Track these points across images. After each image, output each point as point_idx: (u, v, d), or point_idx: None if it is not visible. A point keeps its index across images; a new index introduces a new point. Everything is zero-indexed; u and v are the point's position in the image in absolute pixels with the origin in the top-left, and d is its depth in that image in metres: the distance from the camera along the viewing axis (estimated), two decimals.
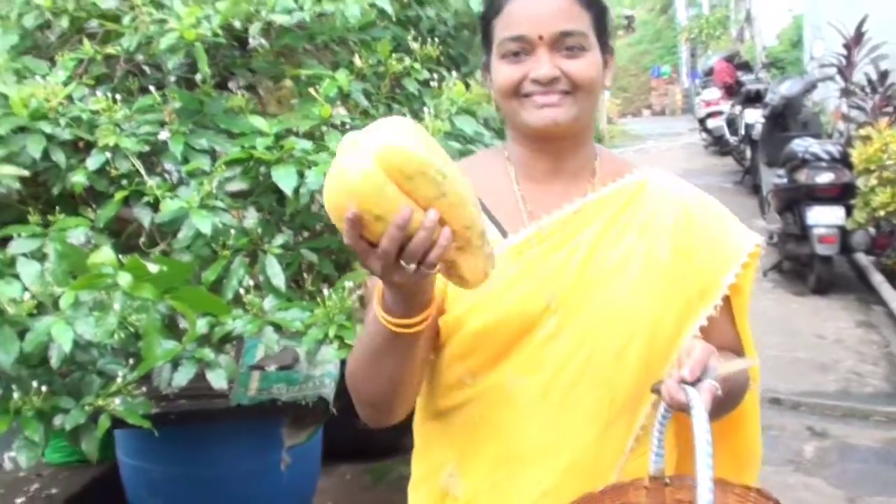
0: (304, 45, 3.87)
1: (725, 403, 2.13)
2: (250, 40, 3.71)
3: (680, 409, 1.99)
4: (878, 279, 10.86)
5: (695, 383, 1.98)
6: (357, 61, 3.77)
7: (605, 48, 2.28)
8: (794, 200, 11.03)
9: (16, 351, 2.82)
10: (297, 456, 5.35)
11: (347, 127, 3.46)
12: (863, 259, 11.58)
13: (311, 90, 3.52)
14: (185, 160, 3.35)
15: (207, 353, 3.20)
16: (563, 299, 2.21)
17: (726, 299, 2.32)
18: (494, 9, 2.24)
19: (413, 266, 1.75)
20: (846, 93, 13.82)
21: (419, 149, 1.70)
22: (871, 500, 6.30)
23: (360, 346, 2.18)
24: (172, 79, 3.72)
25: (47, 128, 3.23)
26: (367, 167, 1.66)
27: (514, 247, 2.25)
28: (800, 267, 11.55)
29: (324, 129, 3.48)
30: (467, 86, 3.83)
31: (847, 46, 13.93)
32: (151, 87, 3.49)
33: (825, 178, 10.65)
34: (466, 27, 4.48)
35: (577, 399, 2.22)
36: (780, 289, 11.43)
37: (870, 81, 13.04)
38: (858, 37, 13.79)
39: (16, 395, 2.94)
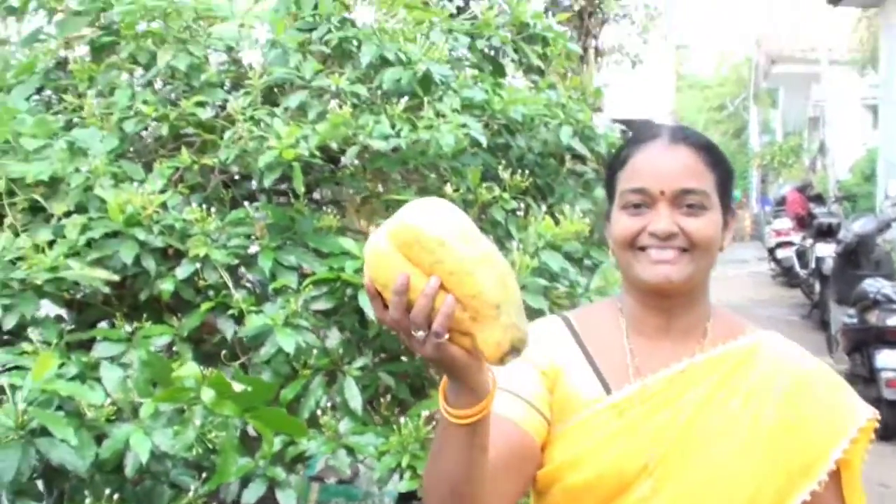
0: (398, 171, 3.92)
1: None
2: (343, 159, 3.77)
3: None
4: None
5: None
6: (447, 189, 3.83)
7: (727, 209, 2.29)
8: (864, 342, 10.84)
9: (92, 456, 2.83)
10: None
11: None
12: None
13: None
14: (273, 276, 3.41)
15: (279, 472, 3.21)
16: (662, 461, 2.19)
17: (835, 474, 2.25)
18: (620, 161, 2.28)
19: (421, 333, 1.76)
20: None
21: (418, 220, 1.75)
22: None
23: (430, 453, 2.15)
24: (263, 191, 3.79)
25: (140, 234, 3.31)
26: (378, 240, 1.76)
27: (616, 404, 2.24)
28: None
29: None
30: (553, 217, 3.86)
31: None
32: (245, 203, 3.56)
33: None
34: (553, 157, 4.52)
35: None
36: None
37: None
38: None
39: (87, 501, 2.94)
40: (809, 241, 18.10)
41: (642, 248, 2.21)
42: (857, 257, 13.29)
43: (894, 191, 15.22)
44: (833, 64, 28.12)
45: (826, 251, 15.47)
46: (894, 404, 10.28)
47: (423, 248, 1.74)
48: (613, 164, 2.33)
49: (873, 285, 11.16)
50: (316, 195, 4.06)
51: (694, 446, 2.20)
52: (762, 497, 2.19)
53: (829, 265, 14.74)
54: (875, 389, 10.36)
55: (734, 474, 2.19)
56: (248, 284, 3.69)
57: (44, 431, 2.80)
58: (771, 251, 23.97)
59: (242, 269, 3.59)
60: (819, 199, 20.26)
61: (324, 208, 3.89)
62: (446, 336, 1.76)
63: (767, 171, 39.65)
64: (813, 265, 17.29)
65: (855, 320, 11.14)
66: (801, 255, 19.30)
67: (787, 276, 22.43)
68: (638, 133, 2.37)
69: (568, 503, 2.24)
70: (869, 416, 2.27)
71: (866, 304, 10.94)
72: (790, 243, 21.45)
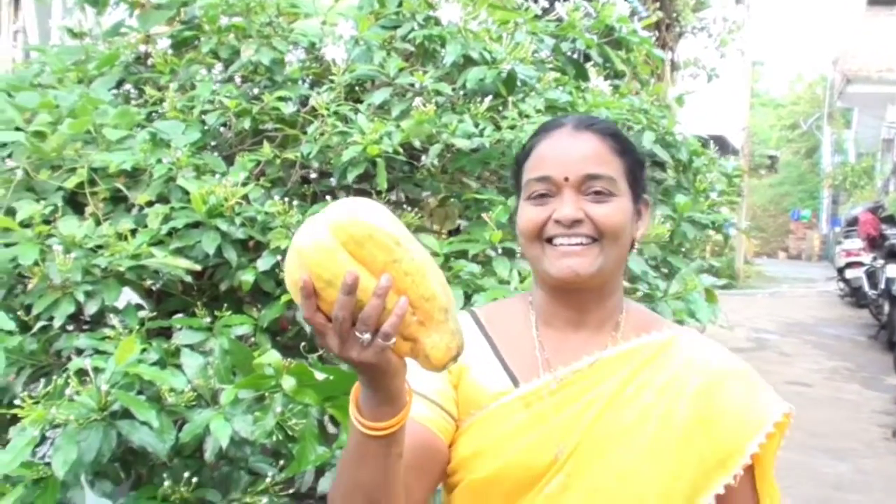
0: (478, 171, 3.94)
1: None
2: (423, 158, 3.80)
3: None
4: None
5: None
6: None
7: (639, 199, 2.26)
8: None
9: (171, 440, 2.88)
10: None
11: (517, 256, 3.51)
12: None
13: (484, 215, 3.58)
14: None
15: None
16: (572, 456, 2.17)
17: (749, 469, 2.24)
18: (525, 152, 2.26)
19: (368, 336, 1.68)
20: None
21: (373, 217, 1.69)
22: None
23: (340, 461, 2.08)
24: (343, 188, 3.82)
25: (223, 225, 3.36)
26: (319, 235, 1.66)
27: (524, 396, 2.22)
28: None
29: (491, 254, 3.53)
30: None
31: None
32: (328, 197, 3.59)
33: None
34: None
35: None
36: None
37: None
38: None
39: (166, 484, 3.00)
40: (880, 262, 18.14)
41: (550, 240, 2.17)
42: None
43: None
44: None
45: None
46: None
47: (376, 246, 1.68)
48: (519, 157, 2.31)
49: None
50: (392, 196, 4.08)
51: (605, 441, 2.18)
52: (676, 491, 2.18)
53: None
54: None
55: (647, 469, 2.17)
56: None
57: (124, 415, 2.85)
58: (840, 271, 24.35)
59: None
60: (891, 220, 20.19)
61: (403, 207, 3.91)
62: (394, 340, 1.71)
63: (839, 191, 39.83)
64: (883, 286, 17.35)
65: None
66: (871, 275, 19.39)
67: (855, 296, 22.75)
68: (543, 125, 2.34)
69: (476, 499, 2.21)
70: (785, 410, 2.26)
71: None
72: (860, 263, 21.66)
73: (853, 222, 22.62)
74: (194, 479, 3.04)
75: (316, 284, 1.66)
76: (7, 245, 3.23)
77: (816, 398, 13.66)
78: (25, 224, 3.27)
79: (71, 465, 2.68)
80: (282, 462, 3.19)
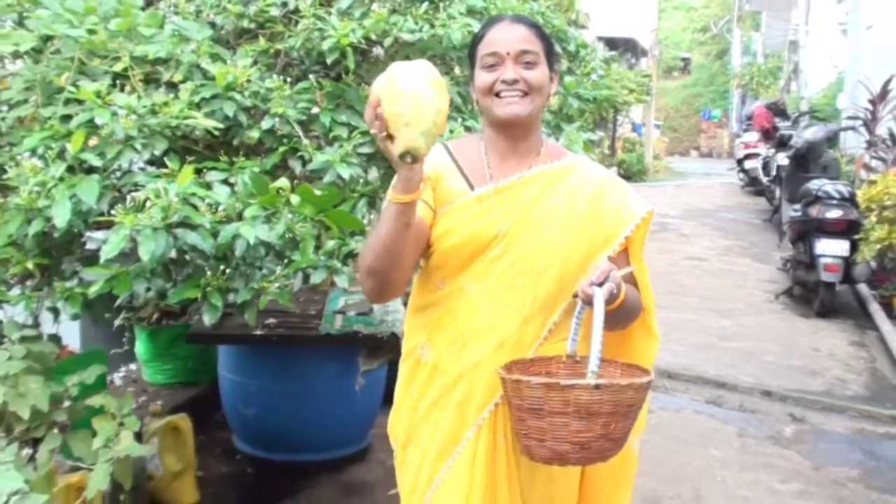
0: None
1: (624, 316, 3.05)
2: (374, 50, 4.87)
3: (588, 303, 2.81)
4: (874, 307, 11.69)
5: (600, 285, 2.79)
6: (456, 71, 4.96)
7: (552, 69, 3.18)
8: (806, 232, 11.90)
9: (211, 243, 3.72)
10: (369, 381, 6.36)
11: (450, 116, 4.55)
12: (864, 290, 12.42)
13: None
14: (330, 129, 4.45)
15: (336, 263, 4.11)
16: (508, 232, 3.09)
17: (624, 249, 3.17)
18: (479, 37, 3.17)
19: (373, 131, 2.64)
20: (870, 144, 14.55)
21: (399, 72, 2.64)
22: (833, 469, 7.22)
23: (372, 231, 2.95)
24: (314, 72, 4.85)
25: (236, 96, 4.30)
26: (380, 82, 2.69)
27: (477, 196, 3.15)
28: (807, 293, 12.38)
29: None
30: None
31: (873, 102, 14.74)
32: (310, 76, 4.69)
33: (834, 213, 11.54)
34: None
35: (509, 300, 3.11)
36: (788, 311, 12.31)
37: (891, 135, 13.75)
38: (884, 93, 14.61)
39: (209, 273, 3.94)
40: (772, 152, 18.90)
41: (497, 94, 3.08)
42: (806, 162, 14.17)
43: (842, 104, 16.04)
44: None
45: (786, 160, 15.96)
46: (830, 286, 11.55)
47: (389, 85, 2.63)
48: (475, 41, 3.19)
49: (816, 184, 12.13)
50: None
51: (530, 223, 3.11)
52: (573, 257, 3.11)
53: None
54: (814, 273, 11.64)
55: (556, 242, 3.11)
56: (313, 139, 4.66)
57: (179, 225, 3.67)
58: (739, 162, 24.82)
59: (308, 126, 4.52)
60: (784, 113, 20.81)
61: (363, 84, 4.89)
62: (383, 134, 2.62)
63: (747, 91, 39.25)
64: (774, 173, 18.17)
65: (799, 214, 12.13)
66: (766, 165, 20.11)
67: (753, 184, 23.42)
68: (489, 20, 3.26)
69: (445, 260, 3.15)
70: (649, 209, 3.24)
71: (809, 199, 11.96)
72: (757, 155, 22.40)
73: (751, 117, 23.16)
74: (225, 273, 3.95)
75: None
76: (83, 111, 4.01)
77: (710, 270, 14.65)
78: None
79: (150, 254, 3.51)
80: (286, 261, 4.10)
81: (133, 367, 8.14)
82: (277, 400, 6.55)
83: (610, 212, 3.19)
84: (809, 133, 14.49)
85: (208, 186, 3.95)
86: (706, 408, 8.73)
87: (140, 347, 7.68)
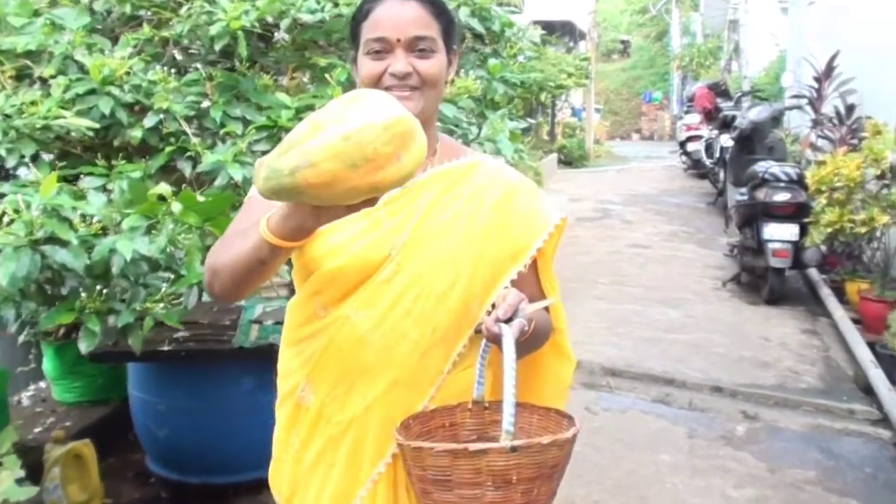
0: (322, 41, 4.58)
1: (533, 341, 2.61)
2: (276, 35, 4.45)
3: (495, 343, 2.39)
4: (825, 293, 11.37)
5: (508, 321, 2.38)
6: None
7: (451, 51, 2.74)
8: (753, 216, 11.61)
9: (85, 260, 3.41)
10: None
11: None
12: (814, 275, 12.13)
13: (327, 76, 4.26)
14: (222, 125, 4.06)
15: None
16: (402, 250, 2.65)
17: (534, 261, 2.78)
18: (363, 13, 2.66)
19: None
20: (816, 123, 14.26)
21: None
22: (789, 471, 6.87)
23: (233, 232, 2.57)
24: (209, 63, 4.45)
25: (114, 91, 3.93)
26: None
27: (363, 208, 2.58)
28: (755, 279, 12.09)
29: None
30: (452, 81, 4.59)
31: (818, 80, 14.42)
32: (198, 65, 4.25)
33: (782, 196, 11.24)
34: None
35: (405, 329, 2.66)
36: (736, 298, 12.00)
37: (838, 114, 13.40)
38: (829, 71, 14.24)
39: (84, 295, 3.58)
40: (715, 133, 18.74)
41: (387, 88, 2.58)
42: (752, 143, 13.89)
43: (788, 82, 15.88)
44: None
45: (730, 141, 15.82)
46: (780, 271, 11.25)
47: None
48: (357, 16, 2.70)
49: (763, 166, 11.84)
50: (252, 72, 4.69)
51: (426, 238, 2.68)
52: (478, 276, 2.71)
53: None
54: (763, 259, 11.32)
55: (458, 258, 2.69)
56: (201, 134, 4.32)
57: (47, 241, 3.35)
58: (682, 145, 24.77)
59: (198, 122, 4.23)
60: (726, 94, 20.63)
61: (262, 75, 4.53)
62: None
63: (687, 72, 39.51)
64: (718, 155, 17.98)
65: (746, 197, 11.90)
66: (709, 147, 19.98)
67: (696, 167, 23.27)
68: None
69: (326, 285, 2.68)
70: (563, 215, 2.85)
71: (756, 182, 11.69)
72: (699, 137, 22.26)
73: (692, 99, 22.97)
74: (104, 293, 3.60)
75: None
76: None
77: (654, 257, 14.37)
78: None
79: (10, 277, 3.19)
80: (172, 277, 3.76)
81: (43, 384, 7.67)
82: (190, 419, 6.15)
83: (519, 220, 2.80)
84: (754, 113, 14.23)
85: (83, 195, 3.64)
86: (654, 407, 8.35)
87: (47, 364, 7.26)
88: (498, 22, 5.36)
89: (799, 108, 14.82)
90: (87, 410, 7.18)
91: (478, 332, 2.58)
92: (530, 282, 2.77)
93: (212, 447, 6.19)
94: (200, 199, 3.52)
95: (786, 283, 11.74)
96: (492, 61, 5.15)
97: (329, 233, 2.66)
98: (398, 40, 2.62)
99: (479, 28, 5.11)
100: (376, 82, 2.63)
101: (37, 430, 6.69)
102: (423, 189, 2.73)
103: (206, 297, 3.85)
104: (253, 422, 5.91)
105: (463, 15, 4.96)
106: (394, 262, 2.66)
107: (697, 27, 43.21)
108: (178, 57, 4.52)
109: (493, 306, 2.53)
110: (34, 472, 5.00)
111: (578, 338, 2.94)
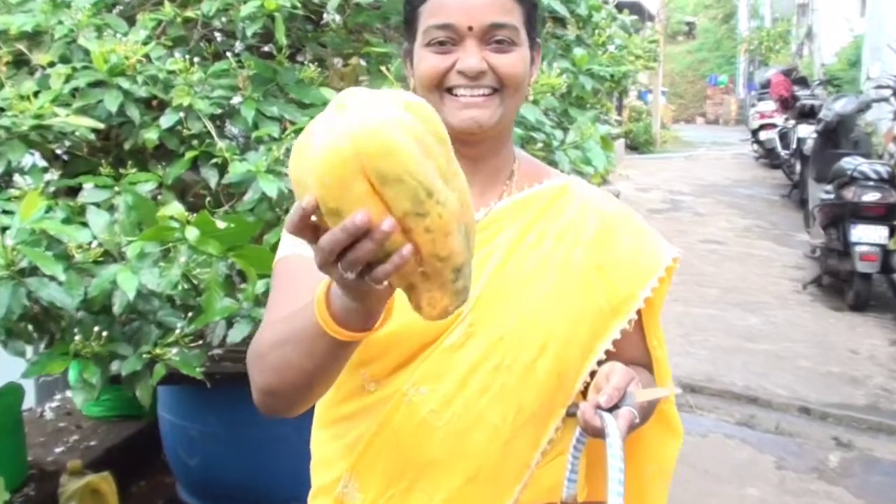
0: (377, 25, 3.93)
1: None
2: (325, 16, 3.79)
3: (595, 436, 1.90)
4: None
5: (612, 409, 1.91)
6: None
7: (534, 44, 2.15)
8: (839, 217, 11.08)
9: (80, 295, 2.89)
10: None
11: None
12: None
13: (382, 69, 3.59)
14: (255, 126, 3.43)
15: (262, 312, 3.10)
16: (475, 307, 2.08)
17: (639, 313, 2.23)
18: None
19: (351, 275, 1.44)
20: None
21: (410, 146, 1.37)
22: None
23: (283, 332, 1.87)
24: (244, 48, 3.79)
25: (124, 84, 3.33)
26: (338, 147, 1.34)
27: None
28: (839, 283, 11.58)
29: None
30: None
31: None
32: (228, 54, 3.58)
33: (871, 196, 10.72)
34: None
35: (481, 410, 2.11)
36: (818, 303, 11.46)
37: None
38: None
39: (77, 339, 3.03)
40: (792, 123, 18.32)
41: (450, 90, 2.06)
42: (836, 137, 13.50)
43: (876, 73, 15.22)
44: None
45: (807, 132, 15.56)
46: (867, 277, 10.77)
47: (404, 192, 1.36)
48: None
49: (850, 163, 11.34)
50: (301, 58, 4.06)
51: (507, 289, 2.12)
52: (576, 337, 2.14)
53: (809, 145, 14.88)
54: (849, 263, 10.79)
55: (549, 317, 2.12)
56: (231, 136, 3.72)
57: (33, 272, 2.85)
58: (754, 133, 24.46)
59: (226, 122, 3.62)
60: (803, 81, 20.33)
61: (307, 65, 3.89)
62: (385, 284, 1.50)
63: (755, 56, 39.88)
64: (794, 146, 17.54)
65: (832, 196, 11.35)
66: (784, 136, 19.46)
67: (769, 157, 22.98)
68: None
69: (377, 353, 2.08)
70: (675, 255, 2.27)
71: (843, 180, 11.16)
72: (773, 125, 21.85)
73: (766, 85, 22.65)
74: (104, 334, 3.06)
75: (319, 205, 1.37)
76: None
77: (730, 255, 13.91)
78: None
79: None
80: (191, 315, 3.19)
81: (70, 394, 7.03)
82: (224, 447, 5.65)
83: (621, 263, 2.23)
84: (840, 105, 13.80)
85: (82, 211, 3.18)
86: (737, 430, 7.79)
87: (72, 373, 6.55)
88: (584, 4, 4.65)
89: (886, 100, 14.09)
90: (115, 426, 6.63)
91: (570, 414, 2.06)
92: (634, 343, 2.22)
93: (247, 479, 5.71)
94: (220, 224, 2.84)
95: (872, 287, 11.18)
96: (577, 51, 4.40)
97: None
98: (470, 28, 2.01)
99: (563, 10, 4.41)
100: (438, 83, 2.05)
101: (58, 449, 6.16)
102: (500, 224, 2.15)
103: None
104: (292, 454, 5.46)
105: None
106: (465, 323, 2.08)
107: (766, 10, 42.99)
108: (208, 42, 3.83)
109: (591, 377, 2.03)
110: None
111: None
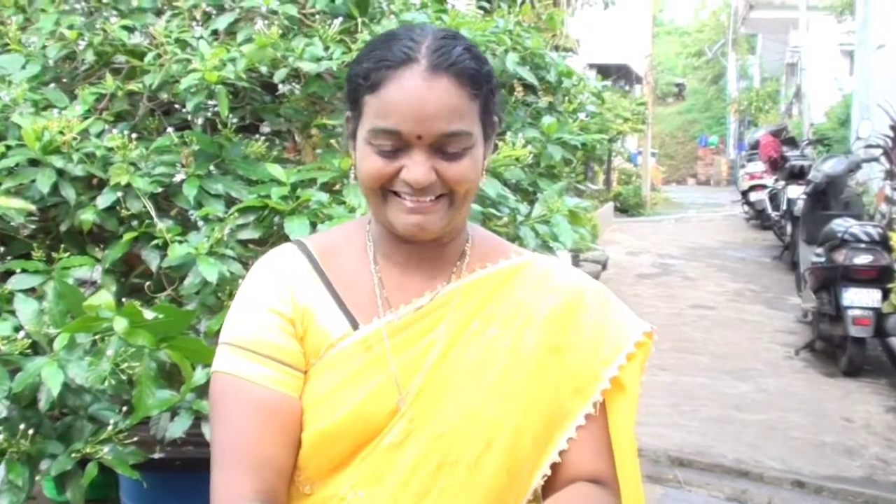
0: (335, 96, 3.76)
1: None
2: (280, 86, 3.62)
3: None
4: None
5: None
6: None
7: (491, 128, 2.00)
8: (831, 280, 10.96)
9: (5, 390, 2.74)
10: None
11: None
12: None
13: (333, 142, 3.43)
14: (199, 204, 3.26)
15: (206, 404, 3.07)
16: (415, 402, 1.96)
17: (602, 404, 2.05)
18: (369, 81, 1.89)
19: None
20: (890, 175, 13.62)
21: None
22: None
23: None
24: (199, 121, 3.63)
25: (59, 162, 3.16)
26: None
27: (363, 339, 1.98)
28: (832, 348, 11.44)
29: (344, 181, 3.37)
30: (495, 146, 3.72)
31: (893, 128, 13.74)
32: (170, 129, 3.41)
33: (863, 259, 10.60)
34: (503, 86, 4.35)
35: None
36: (810, 369, 11.33)
37: None
38: None
39: (1, 437, 2.85)
40: (781, 184, 18.46)
41: (397, 194, 1.92)
42: (826, 198, 13.46)
43: (866, 132, 15.12)
44: (811, 9, 28.38)
45: (797, 193, 15.65)
46: (860, 341, 10.65)
47: None
48: (358, 78, 1.92)
49: (841, 225, 11.27)
50: (263, 130, 3.91)
51: (450, 381, 1.98)
52: (530, 428, 2.00)
53: (800, 206, 14.84)
54: (841, 327, 10.69)
55: (495, 411, 1.99)
56: (180, 217, 3.56)
57: None
58: (744, 194, 24.80)
59: (169, 201, 3.44)
60: (792, 142, 20.33)
61: (273, 140, 3.78)
62: None
63: (745, 116, 40.62)
64: (784, 207, 17.65)
65: (823, 259, 11.28)
66: (774, 197, 19.68)
67: (759, 218, 23.28)
68: (389, 45, 1.91)
69: (312, 453, 1.96)
70: (646, 329, 2.09)
71: (834, 243, 11.07)
72: (763, 186, 22.13)
73: (756, 146, 22.43)
74: (32, 431, 2.89)
75: None
76: None
77: (720, 320, 13.83)
78: None
79: None
80: (125, 409, 3.04)
81: None
82: None
83: (585, 340, 2.06)
84: (829, 166, 13.80)
85: (10, 299, 3.02)
86: None
87: None
88: (554, 71, 4.49)
89: (876, 160, 14.07)
90: None
91: None
92: (598, 437, 2.02)
93: None
94: (148, 314, 2.64)
95: (865, 352, 11.04)
96: (546, 119, 4.19)
97: (319, 376, 1.96)
98: (419, 138, 1.85)
99: (531, 78, 4.24)
100: (381, 186, 1.91)
101: None
102: (443, 310, 2.01)
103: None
104: None
105: (510, 63, 4.11)
106: (405, 419, 1.95)
107: (755, 70, 43.45)
108: (153, 116, 3.66)
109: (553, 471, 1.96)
110: None
111: (640, 417, 2.02)
